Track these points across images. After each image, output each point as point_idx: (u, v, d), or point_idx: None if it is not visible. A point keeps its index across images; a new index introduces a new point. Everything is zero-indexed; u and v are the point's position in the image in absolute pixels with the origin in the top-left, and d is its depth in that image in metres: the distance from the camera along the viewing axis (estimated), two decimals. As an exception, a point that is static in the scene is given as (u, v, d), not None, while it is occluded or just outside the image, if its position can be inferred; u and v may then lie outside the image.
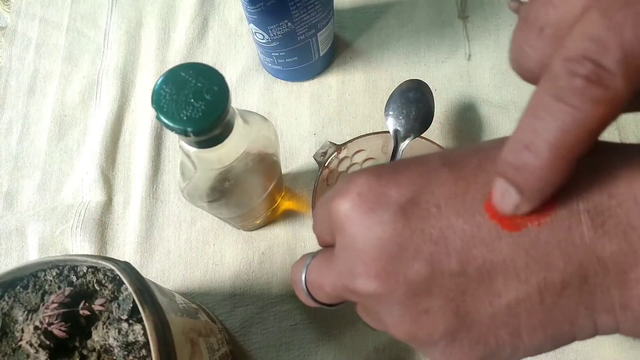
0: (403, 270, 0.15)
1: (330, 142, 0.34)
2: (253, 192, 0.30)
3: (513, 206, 0.14)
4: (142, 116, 0.43)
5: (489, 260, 0.14)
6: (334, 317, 0.36)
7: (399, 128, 0.32)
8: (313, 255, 0.19)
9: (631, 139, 0.40)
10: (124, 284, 0.23)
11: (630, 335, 0.14)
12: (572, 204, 0.14)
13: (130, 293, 0.22)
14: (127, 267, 0.23)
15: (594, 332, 0.15)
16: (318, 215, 0.19)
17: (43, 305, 0.23)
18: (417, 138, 0.32)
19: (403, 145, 0.31)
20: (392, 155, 0.31)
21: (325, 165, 0.33)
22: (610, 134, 0.40)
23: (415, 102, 0.32)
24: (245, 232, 0.39)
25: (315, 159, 0.34)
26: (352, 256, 0.16)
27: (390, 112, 0.32)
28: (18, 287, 0.23)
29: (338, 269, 0.17)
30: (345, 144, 0.34)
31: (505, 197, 0.14)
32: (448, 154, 0.16)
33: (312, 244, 0.38)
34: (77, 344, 0.23)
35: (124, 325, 0.22)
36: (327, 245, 0.19)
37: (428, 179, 0.15)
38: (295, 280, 0.20)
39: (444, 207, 0.15)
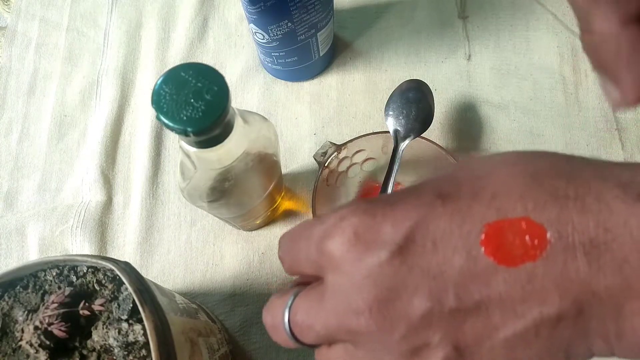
0: (403, 306, 0.15)
1: (330, 142, 0.34)
2: (253, 192, 0.30)
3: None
4: (142, 116, 0.43)
5: (486, 295, 0.14)
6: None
7: (399, 128, 0.32)
8: (294, 293, 0.18)
9: (632, 139, 0.40)
10: (124, 284, 0.23)
11: (626, 357, 0.14)
12: (567, 238, 0.14)
13: (130, 293, 0.22)
14: (127, 267, 0.23)
15: (590, 356, 0.15)
16: (299, 252, 0.18)
17: (43, 305, 0.23)
18: (417, 138, 0.32)
19: (403, 145, 0.31)
20: (392, 155, 0.31)
21: (325, 165, 0.33)
22: (610, 135, 0.40)
23: (415, 102, 0.32)
24: (245, 232, 0.39)
25: (315, 159, 0.34)
26: (350, 295, 0.16)
27: (390, 112, 0.32)
28: (18, 287, 0.23)
29: (332, 308, 0.16)
30: (345, 144, 0.34)
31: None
32: (442, 184, 0.16)
33: (312, 244, 0.38)
34: (77, 344, 0.23)
35: (124, 325, 0.22)
36: (298, 275, 0.19)
37: (423, 213, 0.15)
38: (274, 324, 0.18)
39: (439, 242, 0.15)
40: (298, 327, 0.18)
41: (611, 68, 0.20)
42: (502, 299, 0.14)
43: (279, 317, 0.18)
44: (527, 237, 0.14)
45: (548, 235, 0.14)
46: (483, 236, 0.14)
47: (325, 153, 0.34)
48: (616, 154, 0.40)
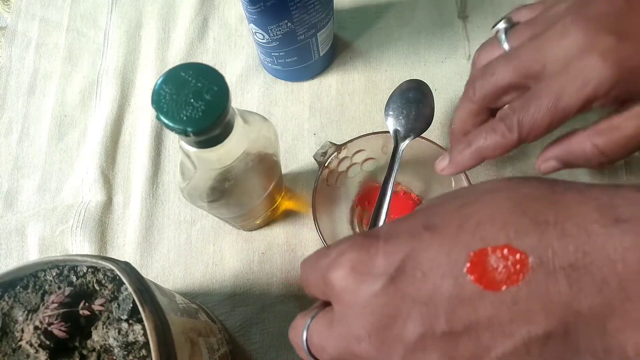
0: (399, 332, 0.16)
1: (330, 142, 0.34)
2: (253, 192, 0.30)
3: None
4: (142, 116, 0.43)
5: (474, 318, 0.15)
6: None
7: (399, 128, 0.32)
8: (312, 316, 0.20)
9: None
10: (124, 284, 0.23)
11: None
12: (548, 263, 0.15)
13: (130, 293, 0.22)
14: (127, 267, 0.23)
15: None
16: (311, 280, 0.20)
17: (43, 305, 0.23)
18: (417, 138, 0.32)
19: (403, 145, 0.31)
20: (392, 156, 0.31)
21: (325, 165, 0.33)
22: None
23: (415, 102, 0.32)
24: (245, 232, 0.39)
25: (315, 159, 0.34)
26: (352, 323, 0.17)
27: (390, 112, 0.32)
28: (18, 287, 0.23)
29: (339, 334, 0.18)
30: (345, 144, 0.34)
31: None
32: (430, 215, 0.18)
33: (311, 244, 0.38)
34: (77, 344, 0.23)
35: (124, 325, 0.22)
36: (316, 298, 0.21)
37: (412, 245, 0.17)
38: (296, 342, 0.20)
39: (428, 271, 0.16)
40: (314, 347, 0.19)
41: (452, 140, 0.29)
42: (491, 321, 0.15)
43: (299, 337, 0.20)
44: (509, 263, 0.15)
45: (530, 260, 0.15)
46: (469, 264, 0.16)
47: (325, 153, 0.34)
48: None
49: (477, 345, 0.15)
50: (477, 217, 0.16)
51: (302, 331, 0.20)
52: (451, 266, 0.16)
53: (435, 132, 0.40)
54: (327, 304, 0.20)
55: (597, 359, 0.15)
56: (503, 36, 0.28)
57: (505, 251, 0.15)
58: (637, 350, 0.14)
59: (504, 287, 0.15)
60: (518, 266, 0.15)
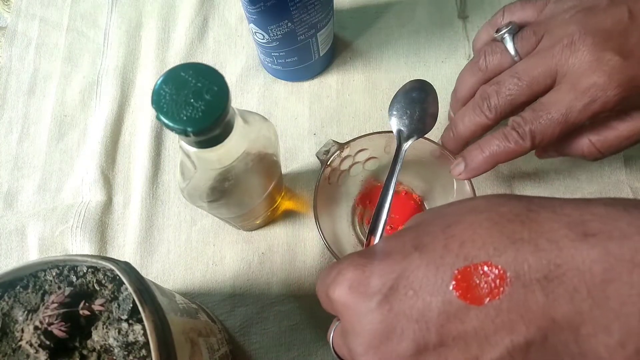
0: (394, 348, 0.18)
1: (333, 141, 0.34)
2: (253, 192, 0.30)
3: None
4: (142, 116, 0.42)
5: (462, 331, 0.17)
6: (334, 317, 0.36)
7: (402, 128, 0.32)
8: (337, 321, 0.23)
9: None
10: (124, 284, 0.23)
11: None
12: (524, 276, 0.16)
13: (130, 293, 0.22)
14: (127, 267, 0.23)
15: None
16: (320, 295, 0.22)
17: (43, 305, 0.23)
18: (420, 138, 0.32)
19: (406, 145, 0.31)
20: (394, 155, 0.31)
21: (328, 163, 0.33)
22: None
23: (419, 102, 0.32)
24: (245, 232, 0.39)
25: (317, 157, 0.34)
26: (353, 338, 0.19)
27: (394, 112, 0.32)
28: (18, 287, 0.23)
29: (347, 346, 0.20)
30: (348, 142, 0.34)
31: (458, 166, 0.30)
32: (420, 233, 0.19)
33: (312, 244, 0.38)
34: (77, 344, 0.23)
35: (124, 325, 0.22)
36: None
37: (403, 266, 0.18)
38: (328, 339, 0.23)
39: (418, 290, 0.18)
40: (338, 349, 0.22)
41: (471, 160, 0.30)
42: (477, 333, 0.17)
43: (330, 337, 0.23)
44: (490, 279, 0.17)
45: (508, 274, 0.16)
46: (454, 282, 0.17)
47: (328, 151, 0.34)
48: (616, 154, 0.39)
49: (466, 356, 0.17)
50: (460, 237, 0.18)
51: (330, 334, 0.23)
52: (439, 284, 0.17)
53: (435, 132, 0.40)
54: None
55: None
56: (510, 43, 0.30)
57: (486, 268, 0.17)
58: (610, 351, 0.15)
59: (486, 301, 0.16)
60: (498, 281, 0.16)
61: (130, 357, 0.22)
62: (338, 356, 0.22)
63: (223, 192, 0.27)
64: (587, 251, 0.16)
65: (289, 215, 0.39)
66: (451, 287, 0.17)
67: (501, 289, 0.16)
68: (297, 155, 0.41)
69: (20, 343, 0.22)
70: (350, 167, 0.36)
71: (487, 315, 0.16)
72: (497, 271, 0.17)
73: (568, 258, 0.16)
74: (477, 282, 0.17)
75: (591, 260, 0.16)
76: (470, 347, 0.17)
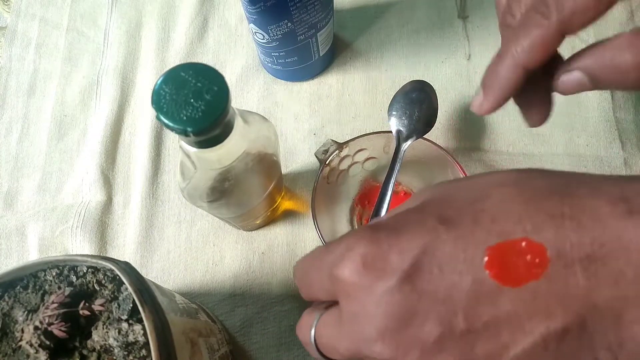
0: (415, 332, 0.15)
1: (332, 140, 0.34)
2: (253, 192, 0.30)
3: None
4: (142, 116, 0.42)
5: (494, 315, 0.15)
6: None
7: (401, 128, 0.32)
8: (319, 313, 0.19)
9: (632, 139, 0.40)
10: (124, 284, 0.23)
11: None
12: (566, 256, 0.15)
13: (130, 293, 0.22)
14: (127, 267, 0.23)
15: None
16: (313, 279, 0.19)
17: (43, 305, 0.23)
18: (419, 139, 0.32)
19: (405, 145, 0.31)
20: (393, 156, 0.31)
21: (327, 163, 0.33)
22: (610, 135, 0.40)
23: (418, 102, 0.32)
24: (245, 232, 0.39)
25: (316, 157, 0.34)
26: (363, 323, 0.16)
27: (394, 112, 0.32)
28: (18, 287, 0.23)
29: (350, 334, 0.17)
30: (347, 142, 0.34)
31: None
32: (443, 206, 0.17)
33: (312, 244, 0.38)
34: (77, 344, 0.23)
35: (124, 325, 0.22)
36: (315, 301, 0.20)
37: (427, 240, 0.16)
38: (304, 341, 0.20)
39: (446, 268, 0.16)
40: (324, 347, 0.19)
41: (490, 79, 0.23)
42: (510, 318, 0.15)
43: (307, 336, 0.19)
44: (528, 257, 0.15)
45: (548, 253, 0.15)
46: (486, 259, 0.15)
47: (326, 151, 0.34)
48: (616, 154, 0.40)
49: (495, 343, 0.15)
50: (491, 212, 0.16)
51: (310, 330, 0.19)
52: (469, 262, 0.15)
53: (435, 132, 0.40)
54: (330, 304, 0.19)
55: (612, 353, 0.15)
56: None
57: (524, 244, 0.15)
58: None
59: (524, 282, 0.15)
60: (537, 260, 0.15)
61: (130, 357, 0.22)
62: (322, 355, 0.19)
63: (223, 192, 0.27)
64: (635, 230, 0.14)
65: (289, 215, 0.39)
66: (483, 266, 0.15)
67: (541, 269, 0.15)
68: (297, 155, 0.41)
69: (20, 343, 0.22)
70: (349, 166, 0.36)
71: (522, 298, 0.15)
72: (537, 249, 0.15)
73: (614, 237, 0.14)
74: (514, 260, 0.15)
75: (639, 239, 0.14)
76: (501, 334, 0.15)
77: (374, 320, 0.16)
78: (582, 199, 0.15)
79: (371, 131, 0.34)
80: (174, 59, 0.44)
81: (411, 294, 0.16)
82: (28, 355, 0.22)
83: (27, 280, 0.24)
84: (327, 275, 0.18)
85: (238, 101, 0.43)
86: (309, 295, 0.20)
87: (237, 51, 0.44)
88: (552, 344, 0.15)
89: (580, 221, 0.15)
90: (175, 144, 0.41)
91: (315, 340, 0.19)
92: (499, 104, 0.24)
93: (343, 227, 0.37)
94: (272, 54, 0.38)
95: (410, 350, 0.16)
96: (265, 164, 0.28)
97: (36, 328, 0.22)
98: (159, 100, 0.19)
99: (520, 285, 0.15)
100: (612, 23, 0.43)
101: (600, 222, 0.14)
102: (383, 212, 0.29)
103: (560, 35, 0.21)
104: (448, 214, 0.17)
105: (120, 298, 0.23)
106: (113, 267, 0.22)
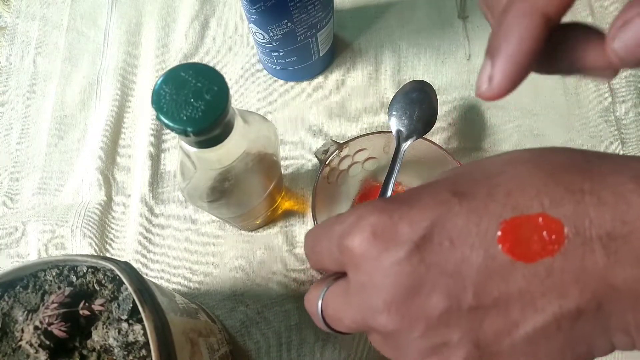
0: (422, 305, 0.15)
1: (332, 140, 0.34)
2: (253, 192, 0.30)
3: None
4: (142, 116, 0.42)
5: (504, 291, 0.14)
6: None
7: (401, 128, 0.32)
8: (327, 285, 0.19)
9: (632, 139, 0.40)
10: (124, 284, 0.23)
11: None
12: (585, 233, 0.14)
13: (130, 293, 0.22)
14: (127, 267, 0.23)
15: (611, 349, 0.15)
16: (322, 247, 0.19)
17: (43, 305, 0.23)
18: (419, 139, 0.32)
19: (405, 145, 0.31)
20: (393, 156, 0.31)
21: (327, 162, 0.33)
22: (610, 135, 0.40)
23: (418, 102, 0.32)
24: (245, 232, 0.39)
25: (316, 157, 0.34)
26: (370, 293, 0.16)
27: (394, 112, 0.32)
28: (18, 287, 0.23)
29: (357, 305, 0.17)
30: (347, 142, 0.34)
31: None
32: (457, 181, 0.17)
33: (312, 244, 0.38)
34: (77, 344, 0.23)
35: (124, 325, 0.22)
36: (323, 270, 0.20)
37: (439, 212, 0.15)
38: (311, 312, 0.20)
39: (457, 241, 0.15)
40: (330, 318, 0.18)
41: (497, 39, 0.17)
42: (522, 295, 0.14)
43: (314, 306, 0.19)
44: (544, 233, 0.14)
45: (565, 230, 0.14)
46: (500, 233, 0.15)
47: (327, 151, 0.34)
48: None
49: (505, 321, 0.14)
50: (507, 186, 0.15)
51: (317, 301, 0.19)
52: (481, 236, 0.15)
53: (435, 132, 0.40)
54: (338, 276, 0.19)
55: (629, 336, 0.14)
56: None
57: (540, 220, 0.14)
58: None
59: (538, 258, 0.14)
60: (554, 236, 0.14)
61: (130, 357, 0.22)
62: (329, 327, 0.19)
63: (223, 192, 0.27)
64: None
65: (289, 215, 0.39)
66: (496, 240, 0.15)
67: (557, 245, 0.14)
68: (297, 155, 0.41)
69: (20, 343, 0.22)
70: (349, 166, 0.36)
71: (535, 274, 0.14)
72: (553, 224, 0.14)
73: (637, 215, 0.13)
74: (529, 235, 0.14)
75: None
76: (511, 311, 0.14)
77: (381, 291, 0.16)
78: (604, 175, 0.14)
79: (371, 131, 0.34)
80: (174, 59, 0.44)
81: (419, 266, 0.15)
82: (28, 355, 0.22)
83: (27, 280, 0.24)
84: (337, 245, 0.17)
85: (238, 101, 0.43)
86: (318, 265, 0.20)
87: (237, 51, 0.44)
88: (565, 324, 0.14)
89: (601, 197, 0.14)
90: (175, 144, 0.41)
91: (322, 311, 0.19)
92: (515, 73, 0.17)
93: (343, 227, 0.37)
94: (272, 54, 0.38)
95: (415, 323, 0.15)
96: (265, 164, 0.28)
97: (36, 328, 0.22)
98: (159, 100, 0.19)
99: (534, 261, 0.14)
100: None
101: (623, 199, 0.14)
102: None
103: None
104: (462, 188, 0.16)
105: (120, 298, 0.23)
106: (113, 267, 0.22)
